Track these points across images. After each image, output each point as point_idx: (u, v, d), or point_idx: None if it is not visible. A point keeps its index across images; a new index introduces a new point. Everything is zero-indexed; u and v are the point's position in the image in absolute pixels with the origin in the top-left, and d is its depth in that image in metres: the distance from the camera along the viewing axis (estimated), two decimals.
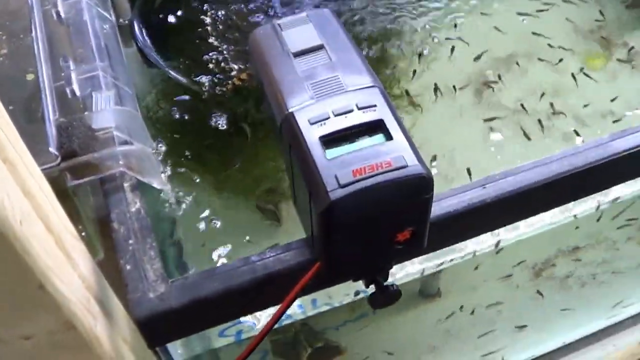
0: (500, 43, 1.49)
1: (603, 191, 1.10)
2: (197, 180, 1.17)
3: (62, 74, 0.91)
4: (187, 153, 1.18)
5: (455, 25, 1.49)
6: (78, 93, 0.91)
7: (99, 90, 0.92)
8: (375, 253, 0.71)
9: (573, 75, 1.45)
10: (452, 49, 1.44)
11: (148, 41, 1.25)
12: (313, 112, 0.68)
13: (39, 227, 0.66)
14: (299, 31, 0.77)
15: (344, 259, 0.70)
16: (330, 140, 0.66)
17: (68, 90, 0.90)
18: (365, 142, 0.66)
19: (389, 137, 0.66)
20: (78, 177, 0.84)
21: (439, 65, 1.41)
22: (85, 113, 0.88)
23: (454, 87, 1.39)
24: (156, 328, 0.77)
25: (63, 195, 0.89)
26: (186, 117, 1.19)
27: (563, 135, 1.36)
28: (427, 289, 1.46)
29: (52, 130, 0.83)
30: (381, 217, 0.66)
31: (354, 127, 0.67)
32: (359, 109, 0.68)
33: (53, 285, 0.64)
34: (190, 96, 1.21)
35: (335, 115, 0.68)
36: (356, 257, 0.71)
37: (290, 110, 0.69)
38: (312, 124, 0.67)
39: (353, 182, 0.63)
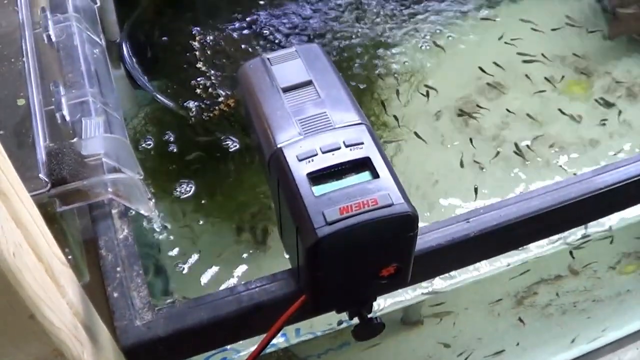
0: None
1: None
2: (183, 206, 1.18)
3: (53, 99, 0.91)
4: (173, 177, 1.19)
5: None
6: (68, 118, 0.91)
7: (88, 116, 0.93)
8: (359, 287, 0.72)
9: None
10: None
11: (136, 64, 1.26)
12: (301, 149, 0.70)
13: (30, 257, 0.66)
14: (288, 66, 0.78)
15: (329, 292, 0.71)
16: (318, 177, 0.68)
17: (58, 116, 0.90)
18: (352, 179, 0.68)
19: (375, 175, 0.68)
20: (67, 204, 0.85)
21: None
22: (75, 139, 0.89)
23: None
24: (142, 356, 0.78)
25: (50, 219, 0.90)
26: (172, 142, 1.20)
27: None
28: (409, 317, 1.47)
29: (42, 156, 0.84)
30: (367, 253, 0.67)
31: (341, 164, 0.68)
32: (346, 146, 0.69)
33: (43, 314, 0.65)
34: (177, 120, 1.22)
35: (323, 152, 0.69)
36: (341, 290, 0.72)
37: (279, 146, 0.71)
38: (300, 160, 0.69)
39: (340, 220, 0.64)
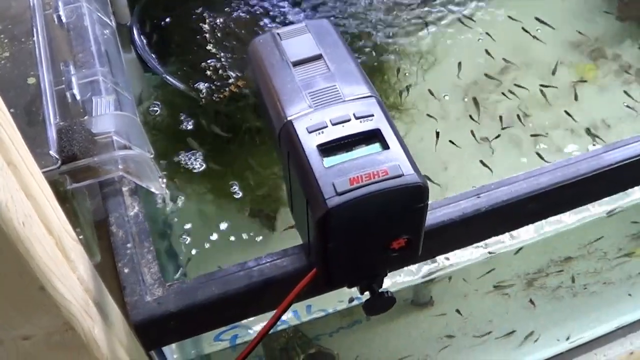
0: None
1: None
2: (194, 186, 1.18)
3: (63, 78, 0.91)
4: (184, 159, 1.19)
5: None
6: (78, 97, 0.92)
7: (99, 95, 0.93)
8: (370, 260, 0.72)
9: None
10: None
11: (147, 47, 1.26)
12: (311, 121, 0.69)
13: (40, 229, 0.67)
14: (298, 41, 0.78)
15: (340, 266, 0.71)
16: (328, 149, 0.68)
17: (68, 95, 0.91)
18: (362, 151, 0.67)
19: (385, 146, 0.67)
20: (78, 181, 0.85)
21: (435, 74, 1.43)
22: (86, 117, 0.89)
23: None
24: (153, 331, 0.78)
25: (62, 197, 0.90)
26: (183, 123, 1.20)
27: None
28: (419, 298, 1.47)
29: (52, 134, 0.84)
30: (377, 225, 0.67)
31: (351, 136, 0.68)
32: (356, 118, 0.69)
33: (53, 286, 0.65)
34: (188, 102, 1.22)
35: (333, 125, 0.69)
36: (352, 264, 0.72)
37: (289, 119, 0.70)
38: (310, 132, 0.69)
39: (350, 190, 0.64)
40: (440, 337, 1.46)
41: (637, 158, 0.88)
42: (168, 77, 1.24)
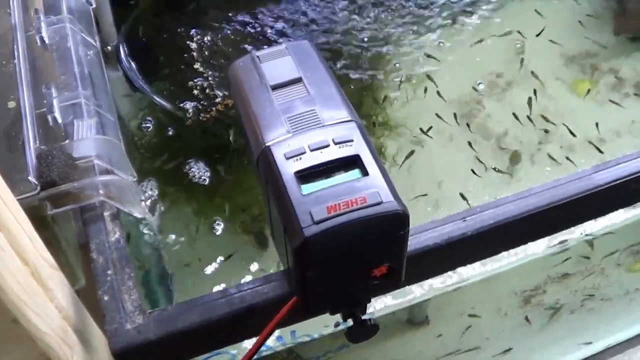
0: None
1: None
2: (181, 206, 1.17)
3: (45, 101, 0.90)
4: (171, 179, 1.18)
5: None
6: (60, 120, 0.91)
7: (80, 118, 0.92)
8: (351, 288, 0.71)
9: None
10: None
11: (134, 66, 1.25)
12: (289, 147, 0.68)
13: (14, 261, 0.65)
14: (277, 63, 0.77)
15: (320, 293, 0.70)
16: (306, 176, 0.66)
17: (50, 118, 0.90)
18: (341, 177, 0.66)
19: (364, 172, 0.66)
20: (58, 206, 0.84)
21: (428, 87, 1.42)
22: (66, 141, 0.88)
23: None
24: (135, 359, 0.77)
25: (43, 222, 0.89)
26: (170, 143, 1.19)
27: None
28: (415, 317, 1.45)
29: (32, 159, 0.83)
30: (357, 253, 0.66)
31: (330, 162, 0.67)
32: (335, 144, 0.68)
33: (27, 319, 0.64)
34: (174, 122, 1.21)
35: (312, 150, 0.67)
36: (332, 291, 0.70)
37: (267, 144, 0.69)
38: (288, 158, 0.67)
39: (327, 219, 0.62)
40: (438, 357, 1.44)
41: (627, 178, 0.86)
42: (155, 97, 1.23)
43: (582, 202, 0.82)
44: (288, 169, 0.67)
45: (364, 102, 1.32)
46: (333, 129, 0.69)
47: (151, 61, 1.31)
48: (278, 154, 0.68)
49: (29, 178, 0.80)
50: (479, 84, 1.49)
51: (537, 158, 1.39)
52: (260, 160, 0.70)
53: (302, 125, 0.70)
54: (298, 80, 0.75)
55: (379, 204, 0.63)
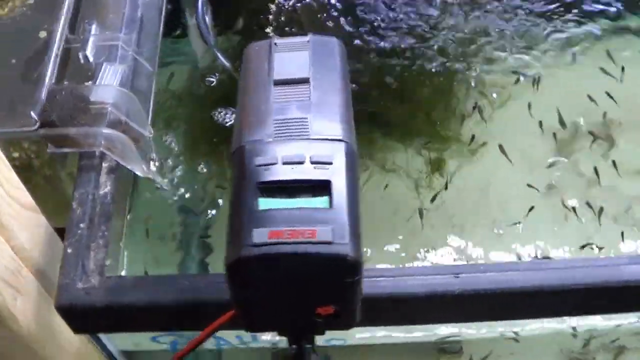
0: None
1: None
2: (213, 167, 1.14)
3: (81, 37, 0.89)
4: (212, 138, 1.15)
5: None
6: (91, 60, 0.89)
7: (112, 62, 0.90)
8: (295, 318, 0.64)
9: None
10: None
11: (208, 17, 1.22)
12: (263, 153, 0.62)
13: None
14: (291, 57, 0.70)
15: (257, 314, 0.64)
16: (268, 189, 0.60)
17: (81, 55, 0.88)
18: (303, 201, 0.59)
19: (330, 203, 0.59)
20: (58, 147, 0.83)
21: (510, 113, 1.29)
22: (88, 83, 0.87)
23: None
24: (76, 319, 0.76)
25: (43, 162, 0.88)
26: (218, 102, 1.15)
27: None
28: (449, 346, 1.36)
29: (42, 95, 0.82)
30: (296, 288, 0.59)
31: (296, 181, 0.60)
32: (312, 162, 0.61)
33: None
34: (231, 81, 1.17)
35: (283, 163, 0.61)
36: (272, 317, 0.65)
37: (243, 144, 0.64)
38: (257, 165, 0.61)
39: (266, 244, 0.56)
40: None
41: None
42: (218, 53, 1.19)
43: (593, 295, 0.71)
44: (253, 176, 0.61)
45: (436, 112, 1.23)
46: (316, 145, 0.63)
47: (228, 15, 1.27)
48: (250, 157, 0.62)
49: (31, 113, 0.79)
50: (580, 118, 1.34)
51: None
52: (234, 156, 0.64)
53: (287, 133, 0.64)
54: (304, 81, 0.68)
55: (327, 243, 0.56)
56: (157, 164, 0.90)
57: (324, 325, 0.65)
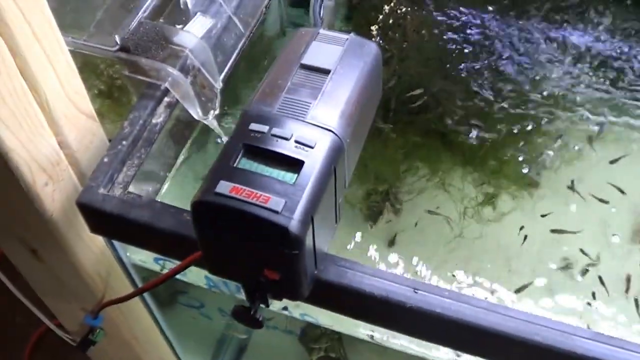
0: None
1: None
2: None
3: None
4: None
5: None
6: (190, 6, 1.00)
7: (206, 14, 1.00)
8: (248, 273, 0.71)
9: None
10: None
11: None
12: (259, 121, 0.69)
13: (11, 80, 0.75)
14: (325, 48, 0.76)
15: (217, 259, 0.71)
16: (249, 152, 0.67)
17: (181, 0, 0.99)
18: (275, 172, 0.66)
19: (295, 181, 0.65)
20: (131, 72, 0.94)
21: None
22: (178, 26, 0.97)
23: None
24: (91, 219, 0.86)
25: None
26: None
27: None
28: None
29: (132, 24, 0.93)
30: (244, 244, 0.66)
31: (275, 153, 0.66)
32: (295, 142, 0.67)
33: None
34: None
35: (271, 135, 0.68)
36: (229, 264, 0.71)
37: (249, 108, 0.71)
38: (250, 130, 0.68)
39: (223, 196, 0.63)
40: None
41: None
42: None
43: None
44: (242, 137, 0.68)
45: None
46: (307, 129, 0.68)
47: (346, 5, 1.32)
48: (248, 121, 0.69)
49: (115, 36, 0.91)
50: None
51: None
52: (241, 113, 0.71)
53: (289, 111, 0.70)
54: (326, 72, 0.73)
55: (274, 212, 0.62)
56: (216, 112, 0.99)
57: (275, 290, 0.71)
